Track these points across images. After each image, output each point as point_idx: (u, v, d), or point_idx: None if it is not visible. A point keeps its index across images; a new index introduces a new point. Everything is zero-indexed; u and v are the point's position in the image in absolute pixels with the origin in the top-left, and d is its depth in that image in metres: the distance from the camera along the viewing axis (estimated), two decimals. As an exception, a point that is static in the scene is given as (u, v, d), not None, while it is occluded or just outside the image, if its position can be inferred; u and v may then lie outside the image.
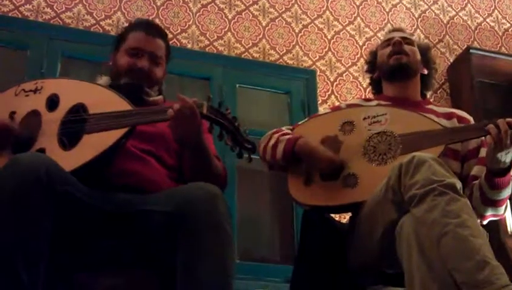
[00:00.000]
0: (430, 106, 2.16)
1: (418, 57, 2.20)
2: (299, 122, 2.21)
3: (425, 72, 2.23)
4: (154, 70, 2.00)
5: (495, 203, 1.92)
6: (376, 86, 2.30)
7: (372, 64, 2.29)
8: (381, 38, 2.37)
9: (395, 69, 2.15)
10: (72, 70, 3.47)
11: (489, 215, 1.96)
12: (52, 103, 1.86)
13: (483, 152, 2.01)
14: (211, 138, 1.93)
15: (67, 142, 1.76)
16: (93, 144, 1.73)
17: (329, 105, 3.72)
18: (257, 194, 3.62)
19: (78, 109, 1.82)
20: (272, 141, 2.04)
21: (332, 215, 2.07)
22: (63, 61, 3.42)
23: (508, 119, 1.79)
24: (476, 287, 1.39)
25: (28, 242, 1.44)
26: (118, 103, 1.80)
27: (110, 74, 2.03)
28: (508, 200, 1.96)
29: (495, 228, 3.18)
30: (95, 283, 1.70)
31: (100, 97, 1.84)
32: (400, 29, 2.32)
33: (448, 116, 2.11)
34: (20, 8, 3.46)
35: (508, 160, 1.83)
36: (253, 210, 3.56)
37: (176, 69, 3.50)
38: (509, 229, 3.58)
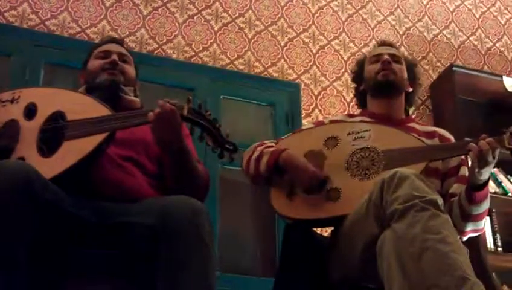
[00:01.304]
0: (412, 124, 2.18)
1: (405, 75, 2.21)
2: (283, 137, 2.21)
3: (410, 89, 2.24)
4: (125, 66, 2.05)
5: (475, 218, 1.94)
6: (361, 98, 2.31)
7: (359, 74, 2.30)
8: (366, 53, 2.37)
9: (382, 85, 2.16)
10: (55, 78, 3.44)
11: (469, 231, 1.98)
12: (30, 111, 1.85)
13: (462, 170, 2.06)
14: (192, 143, 1.93)
15: (46, 150, 1.74)
16: (73, 150, 1.72)
17: (313, 118, 3.73)
18: (239, 206, 3.61)
19: (57, 117, 1.81)
20: (256, 154, 2.03)
21: (314, 229, 2.07)
22: (46, 68, 3.39)
23: (488, 140, 1.81)
24: (455, 303, 1.39)
25: (9, 254, 1.42)
26: (97, 109, 1.79)
27: (85, 82, 2.05)
28: (488, 217, 1.98)
29: (475, 245, 3.19)
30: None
31: (78, 104, 1.84)
32: (389, 44, 2.32)
33: (430, 135, 2.13)
34: (5, 14, 3.43)
35: (486, 176, 1.87)
36: (235, 222, 3.54)
37: (161, 79, 3.52)
38: (489, 246, 3.60)
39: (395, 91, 2.18)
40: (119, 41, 2.17)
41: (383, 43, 2.32)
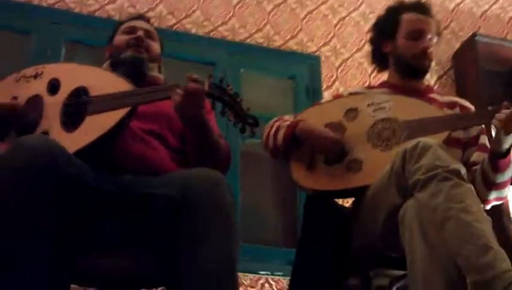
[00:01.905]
0: (432, 95, 2.15)
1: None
2: (301, 112, 2.19)
3: None
4: (150, 43, 2.04)
5: (499, 186, 1.92)
6: (380, 59, 2.22)
7: (389, 29, 2.14)
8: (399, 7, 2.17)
9: (417, 72, 2.12)
10: (76, 55, 3.47)
11: (493, 199, 1.97)
12: (53, 87, 1.87)
13: (482, 139, 2.04)
14: (214, 118, 1.94)
15: (69, 124, 1.76)
16: (96, 125, 1.73)
17: (333, 91, 3.71)
18: (261, 179, 3.63)
19: (80, 92, 1.82)
20: (274, 129, 2.04)
21: (336, 199, 2.07)
22: (67, 46, 3.41)
23: None
24: (477, 271, 1.40)
25: (33, 225, 1.44)
26: (119, 84, 1.80)
27: (110, 56, 2.06)
28: (511, 186, 1.97)
29: (498, 214, 3.18)
30: (100, 265, 1.72)
31: (101, 79, 1.85)
32: (427, 9, 2.14)
33: (451, 105, 2.11)
34: (24, -7, 3.45)
35: (510, 142, 1.83)
36: (257, 194, 3.57)
37: (180, 54, 3.52)
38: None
39: (425, 75, 2.15)
40: (146, 18, 2.17)
41: (421, 6, 2.14)
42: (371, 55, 2.28)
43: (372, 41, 2.25)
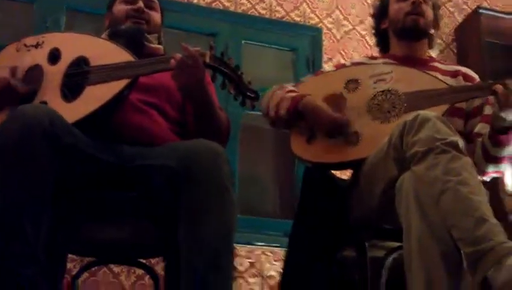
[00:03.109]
0: (435, 64, 2.14)
1: (432, 16, 2.15)
2: (303, 79, 2.19)
3: (432, 31, 2.20)
4: (151, 13, 2.02)
5: (497, 160, 1.92)
6: (382, 37, 2.25)
7: (382, 11, 2.20)
8: None
9: (410, 30, 2.10)
10: (77, 24, 3.45)
11: (491, 172, 1.97)
12: (54, 56, 1.86)
13: (487, 110, 2.02)
14: (214, 90, 1.93)
15: (69, 95, 1.76)
16: (96, 96, 1.73)
17: (334, 63, 3.69)
18: (259, 151, 3.64)
19: (80, 62, 1.82)
20: (276, 98, 2.03)
21: (334, 171, 2.08)
22: (67, 15, 3.39)
23: None
24: (473, 243, 1.41)
25: (33, 193, 1.46)
26: (120, 55, 1.80)
27: (109, 26, 2.03)
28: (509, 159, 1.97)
29: (495, 187, 3.20)
30: (98, 234, 1.74)
31: (101, 49, 1.84)
32: None
33: (454, 74, 2.10)
34: (25, -38, 3.42)
35: (509, 119, 1.83)
36: (255, 166, 3.58)
37: (182, 25, 3.50)
38: (508, 188, 3.60)
39: (422, 36, 2.13)
40: None
41: None
42: (375, 39, 2.30)
43: (373, 26, 2.28)
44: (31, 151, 1.47)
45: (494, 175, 2.00)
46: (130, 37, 1.93)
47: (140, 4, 1.99)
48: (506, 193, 3.49)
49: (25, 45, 1.94)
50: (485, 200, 1.50)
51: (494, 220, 1.44)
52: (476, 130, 2.01)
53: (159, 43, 2.05)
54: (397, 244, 1.73)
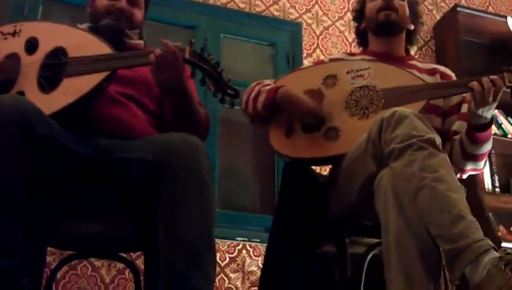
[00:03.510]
0: (413, 62, 2.16)
1: (407, 12, 2.17)
2: (282, 76, 2.19)
3: (412, 27, 2.21)
4: (133, 11, 1.98)
5: (475, 158, 1.95)
6: (362, 37, 2.28)
7: (360, 12, 2.25)
8: None
9: (383, 25, 2.13)
10: (53, 13, 3.39)
11: (469, 170, 2.00)
12: (31, 46, 1.83)
13: (464, 108, 2.04)
14: (194, 85, 1.92)
15: (47, 86, 1.73)
16: (74, 88, 1.71)
17: (314, 58, 3.69)
18: (239, 145, 3.63)
19: (58, 53, 1.79)
20: (254, 93, 2.03)
21: (313, 167, 2.08)
22: (44, 4, 3.34)
23: (491, 77, 1.80)
24: (450, 240, 1.42)
25: (7, 183, 1.44)
26: (99, 47, 1.77)
27: (89, 18, 2.00)
28: (487, 158, 2.00)
29: (472, 184, 3.23)
30: (77, 229, 1.72)
31: (80, 41, 1.82)
32: None
33: (431, 72, 2.11)
34: None
35: (489, 115, 1.86)
36: (235, 160, 3.57)
37: (161, 17, 3.47)
38: (486, 187, 3.65)
39: (396, 30, 2.15)
40: None
41: None
42: (355, 38, 2.33)
43: (355, 27, 2.31)
44: (6, 141, 1.44)
45: (472, 173, 2.02)
46: (109, 35, 1.89)
47: (122, 4, 1.95)
48: (484, 190, 3.54)
49: (2, 33, 1.90)
50: (462, 197, 1.51)
51: (471, 217, 1.45)
52: (454, 128, 2.03)
53: (140, 38, 2.03)
54: (375, 240, 1.74)
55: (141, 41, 2.01)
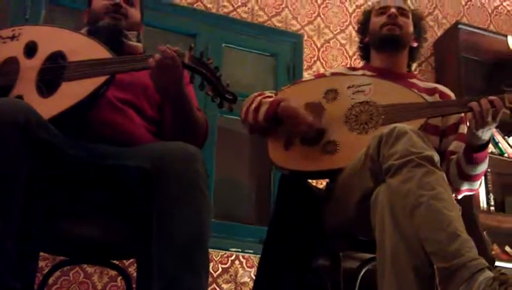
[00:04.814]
0: (413, 80, 2.16)
1: (411, 29, 2.18)
2: (283, 88, 2.19)
3: (415, 44, 2.22)
4: (129, 9, 2.00)
5: (471, 178, 1.95)
6: (364, 51, 2.28)
7: (364, 26, 2.26)
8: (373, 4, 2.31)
9: (387, 40, 2.13)
10: (56, 18, 3.40)
11: (465, 190, 2.00)
12: (30, 50, 1.83)
13: (462, 128, 2.05)
14: (193, 91, 1.92)
15: (45, 90, 1.73)
16: (72, 92, 1.71)
17: (314, 71, 3.70)
18: (236, 155, 3.62)
19: (57, 57, 1.79)
20: (255, 104, 2.02)
21: (310, 180, 2.08)
22: (47, 8, 3.34)
23: (491, 98, 1.80)
24: (445, 258, 1.42)
25: (2, 185, 1.43)
26: (98, 51, 1.78)
27: (88, 22, 2.01)
28: (483, 177, 2.00)
29: (468, 203, 3.23)
30: (70, 233, 1.71)
31: (79, 45, 1.82)
32: None
33: (431, 91, 2.12)
34: (5, -50, 3.36)
35: (486, 137, 1.86)
36: (232, 171, 3.57)
37: (163, 24, 3.48)
38: (481, 205, 3.64)
39: (400, 46, 2.16)
40: None
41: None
42: (358, 52, 2.35)
43: (358, 41, 2.32)
44: (4, 145, 1.44)
45: (468, 193, 2.02)
46: (109, 34, 1.90)
47: (119, 0, 1.96)
48: (479, 208, 3.54)
49: (1, 37, 1.90)
50: (458, 216, 1.51)
51: (466, 236, 1.45)
52: (451, 148, 2.03)
53: (138, 41, 2.03)
54: (370, 255, 1.74)
55: (140, 44, 2.02)
